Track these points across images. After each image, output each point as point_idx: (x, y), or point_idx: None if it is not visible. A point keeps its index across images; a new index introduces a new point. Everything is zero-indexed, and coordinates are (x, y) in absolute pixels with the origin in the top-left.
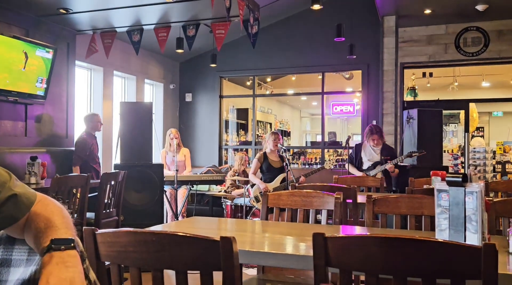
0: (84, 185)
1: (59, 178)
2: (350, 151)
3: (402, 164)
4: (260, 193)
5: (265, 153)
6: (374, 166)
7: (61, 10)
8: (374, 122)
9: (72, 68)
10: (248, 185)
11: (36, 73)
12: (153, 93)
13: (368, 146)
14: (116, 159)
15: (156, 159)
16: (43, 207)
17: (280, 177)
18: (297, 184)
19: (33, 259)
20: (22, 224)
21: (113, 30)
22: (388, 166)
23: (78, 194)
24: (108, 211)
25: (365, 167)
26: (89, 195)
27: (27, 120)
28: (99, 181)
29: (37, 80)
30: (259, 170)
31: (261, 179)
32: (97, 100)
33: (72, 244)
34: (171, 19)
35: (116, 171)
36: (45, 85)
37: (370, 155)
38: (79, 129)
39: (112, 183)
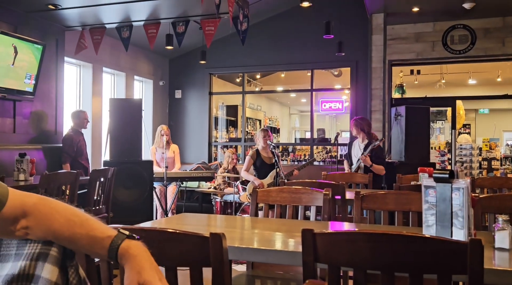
0: (74, 181)
1: (48, 175)
2: (339, 147)
3: (390, 161)
4: (256, 189)
5: (257, 150)
6: (357, 162)
7: (50, 6)
8: None
9: (61, 65)
10: (238, 182)
11: (25, 70)
12: (143, 90)
13: (357, 143)
14: (106, 156)
15: (146, 155)
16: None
17: (273, 173)
18: (286, 180)
19: (21, 254)
20: (7, 220)
21: (102, 26)
22: (362, 158)
23: (68, 191)
24: (97, 207)
25: (353, 163)
26: (79, 192)
27: (16, 116)
28: (88, 177)
29: (25, 76)
30: (252, 167)
31: (254, 176)
32: (86, 97)
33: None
34: (161, 16)
35: (106, 167)
36: (33, 82)
37: (356, 151)
38: (68, 126)
39: (102, 179)
